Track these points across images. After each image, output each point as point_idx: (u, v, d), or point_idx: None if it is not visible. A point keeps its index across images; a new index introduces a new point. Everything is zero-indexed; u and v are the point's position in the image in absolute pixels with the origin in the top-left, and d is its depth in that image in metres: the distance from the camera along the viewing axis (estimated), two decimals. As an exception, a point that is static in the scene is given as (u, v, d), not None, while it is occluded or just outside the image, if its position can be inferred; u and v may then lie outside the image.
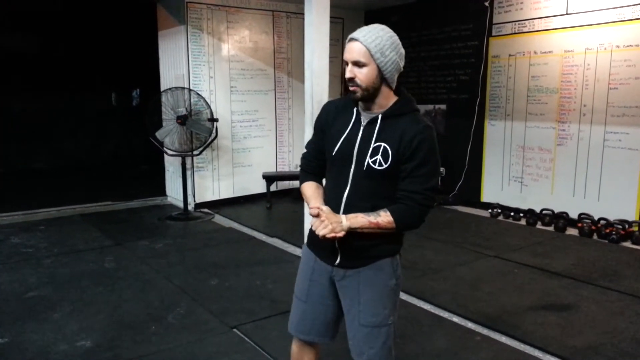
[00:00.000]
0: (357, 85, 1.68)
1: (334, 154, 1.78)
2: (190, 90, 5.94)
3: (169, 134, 5.76)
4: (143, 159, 8.92)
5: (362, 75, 1.67)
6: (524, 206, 5.79)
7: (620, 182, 5.03)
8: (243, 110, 6.58)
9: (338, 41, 6.91)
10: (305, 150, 1.96)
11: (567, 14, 5.33)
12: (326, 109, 1.89)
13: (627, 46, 4.90)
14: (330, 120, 1.83)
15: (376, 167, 1.70)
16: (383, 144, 1.70)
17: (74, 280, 3.89)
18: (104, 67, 9.13)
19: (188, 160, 6.07)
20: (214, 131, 5.99)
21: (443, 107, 6.71)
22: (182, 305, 3.45)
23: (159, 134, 5.74)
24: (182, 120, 5.70)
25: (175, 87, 5.89)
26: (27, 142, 8.72)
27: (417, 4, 6.89)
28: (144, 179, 7.99)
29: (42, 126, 8.83)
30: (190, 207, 6.19)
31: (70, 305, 3.43)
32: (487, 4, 6.00)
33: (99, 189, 7.25)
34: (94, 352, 2.83)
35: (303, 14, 4.53)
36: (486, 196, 6.30)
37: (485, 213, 6.04)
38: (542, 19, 5.55)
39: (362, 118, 1.77)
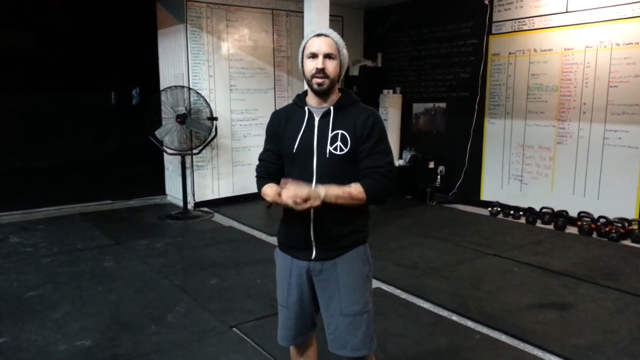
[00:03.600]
0: (327, 77, 1.80)
1: (294, 150, 1.86)
2: (189, 89, 5.93)
3: (169, 133, 5.75)
4: (143, 157, 8.90)
5: (332, 68, 1.81)
6: (524, 204, 5.78)
7: (620, 180, 5.03)
8: (243, 108, 6.57)
9: (338, 39, 6.88)
10: (260, 160, 2.00)
11: (567, 12, 5.32)
12: (277, 115, 1.99)
13: (627, 44, 4.89)
14: (282, 125, 1.93)
15: (338, 152, 1.81)
16: (340, 131, 1.82)
17: (73, 280, 3.89)
18: (104, 66, 9.12)
19: (188, 159, 6.06)
20: (214, 130, 5.98)
21: (443, 105, 6.70)
22: (181, 304, 3.45)
23: (158, 133, 5.74)
24: (181, 119, 5.69)
25: (175, 86, 5.89)
26: (26, 140, 8.71)
27: (416, 2, 6.88)
28: (144, 177, 7.98)
29: (42, 125, 8.82)
30: (190, 206, 6.19)
31: (70, 305, 3.43)
32: (487, 2, 5.99)
33: (99, 187, 7.25)
34: (94, 351, 2.82)
35: (302, 12, 4.53)
36: (486, 194, 6.30)
37: (485, 211, 6.04)
38: (542, 17, 5.54)
39: (315, 114, 1.87)
